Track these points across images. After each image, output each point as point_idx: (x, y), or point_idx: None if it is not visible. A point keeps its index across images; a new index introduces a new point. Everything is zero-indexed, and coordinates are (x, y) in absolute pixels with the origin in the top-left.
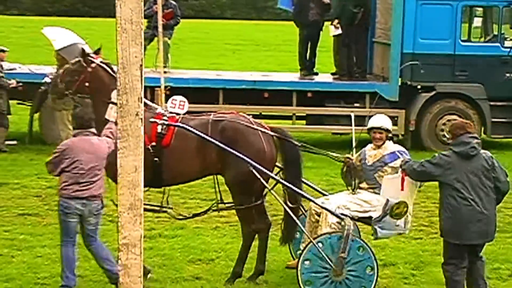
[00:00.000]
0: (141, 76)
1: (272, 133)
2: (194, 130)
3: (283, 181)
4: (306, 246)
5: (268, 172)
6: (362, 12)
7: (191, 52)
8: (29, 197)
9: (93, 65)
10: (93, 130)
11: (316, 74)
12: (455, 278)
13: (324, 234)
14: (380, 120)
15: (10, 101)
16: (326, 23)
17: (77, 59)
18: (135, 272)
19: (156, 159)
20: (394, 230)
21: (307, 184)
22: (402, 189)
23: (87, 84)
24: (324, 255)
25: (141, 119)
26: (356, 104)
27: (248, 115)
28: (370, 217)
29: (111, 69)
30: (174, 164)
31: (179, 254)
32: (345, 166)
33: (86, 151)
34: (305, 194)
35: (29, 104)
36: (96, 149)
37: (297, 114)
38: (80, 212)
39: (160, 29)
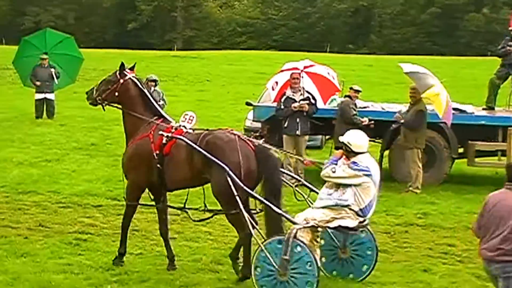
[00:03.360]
0: None
1: (252, 149)
2: (187, 141)
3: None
4: (254, 253)
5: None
6: None
7: None
8: (378, 233)
9: (126, 77)
10: None
11: None
12: None
13: (269, 239)
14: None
15: None
16: None
17: (114, 72)
18: None
19: (158, 165)
20: None
21: (309, 188)
22: None
23: (116, 94)
24: (270, 258)
25: None
26: None
27: None
28: (340, 226)
29: (141, 84)
30: (172, 170)
31: None
32: None
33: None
34: (274, 208)
35: (379, 141)
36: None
37: None
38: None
39: None
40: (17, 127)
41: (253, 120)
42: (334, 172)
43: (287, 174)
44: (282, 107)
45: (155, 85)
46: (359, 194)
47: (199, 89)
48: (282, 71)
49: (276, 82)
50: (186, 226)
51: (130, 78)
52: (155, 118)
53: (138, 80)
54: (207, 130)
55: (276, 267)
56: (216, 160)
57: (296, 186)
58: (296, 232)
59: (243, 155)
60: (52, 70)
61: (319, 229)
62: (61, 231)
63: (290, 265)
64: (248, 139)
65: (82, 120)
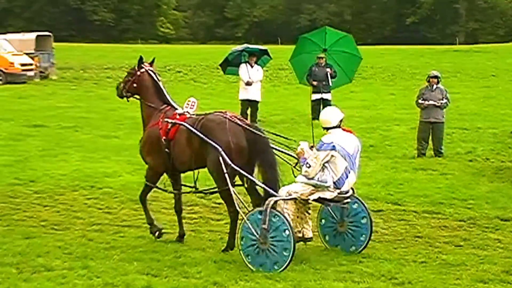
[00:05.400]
0: None
1: (243, 129)
2: (186, 125)
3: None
4: (239, 225)
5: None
6: None
7: None
8: None
9: (142, 70)
10: None
11: None
12: None
13: (250, 211)
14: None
15: None
16: None
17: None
18: None
19: (166, 150)
20: None
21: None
22: None
23: (135, 85)
24: (252, 228)
25: None
26: None
27: None
28: (320, 197)
29: (156, 77)
30: (177, 153)
31: None
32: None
33: None
34: (257, 182)
35: None
36: None
37: None
38: None
39: None
40: (293, 129)
41: None
42: (309, 167)
43: (283, 152)
44: None
45: (437, 82)
46: (331, 168)
47: (484, 85)
48: None
49: None
50: (473, 233)
51: (146, 71)
52: (164, 106)
53: (153, 72)
54: (205, 114)
55: (257, 236)
56: (208, 140)
57: (295, 165)
58: (275, 203)
59: (232, 134)
60: (328, 69)
61: (309, 202)
62: None
63: (269, 233)
64: (240, 119)
65: (360, 120)
